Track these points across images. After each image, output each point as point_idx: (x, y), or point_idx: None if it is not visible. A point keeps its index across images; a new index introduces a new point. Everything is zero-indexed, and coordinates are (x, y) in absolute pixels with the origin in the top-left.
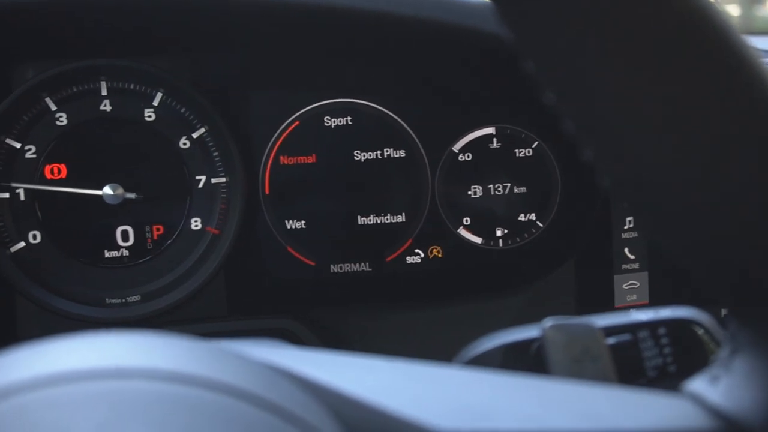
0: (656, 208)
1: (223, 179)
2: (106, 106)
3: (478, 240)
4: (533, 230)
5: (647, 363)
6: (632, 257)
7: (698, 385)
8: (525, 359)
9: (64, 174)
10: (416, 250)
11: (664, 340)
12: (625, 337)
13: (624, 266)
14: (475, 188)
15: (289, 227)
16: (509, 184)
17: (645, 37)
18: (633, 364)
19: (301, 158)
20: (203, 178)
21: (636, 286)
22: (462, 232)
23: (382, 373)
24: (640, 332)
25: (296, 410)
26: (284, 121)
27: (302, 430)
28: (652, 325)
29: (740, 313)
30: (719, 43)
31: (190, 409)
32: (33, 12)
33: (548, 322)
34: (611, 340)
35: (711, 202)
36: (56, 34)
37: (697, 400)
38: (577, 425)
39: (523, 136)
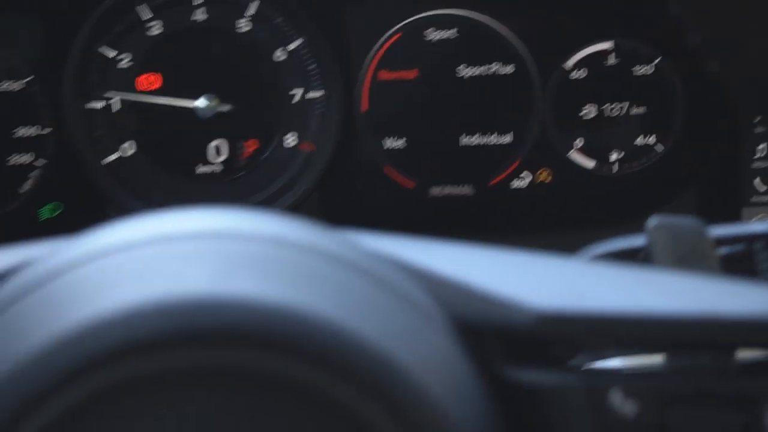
0: None
1: (319, 93)
2: (200, 14)
3: (590, 164)
4: (652, 155)
5: (762, 277)
6: (763, 189)
7: None
8: None
9: (158, 84)
10: (523, 174)
11: None
12: (739, 248)
13: (753, 199)
14: (588, 108)
15: (387, 146)
16: (626, 104)
17: None
18: (746, 277)
19: (402, 73)
20: (299, 91)
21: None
22: (573, 155)
23: (485, 259)
24: (756, 244)
25: (402, 286)
26: (384, 33)
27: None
28: None
29: None
30: None
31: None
32: None
33: (653, 221)
34: (723, 250)
35: None
36: None
37: None
38: (679, 307)
39: (643, 51)
